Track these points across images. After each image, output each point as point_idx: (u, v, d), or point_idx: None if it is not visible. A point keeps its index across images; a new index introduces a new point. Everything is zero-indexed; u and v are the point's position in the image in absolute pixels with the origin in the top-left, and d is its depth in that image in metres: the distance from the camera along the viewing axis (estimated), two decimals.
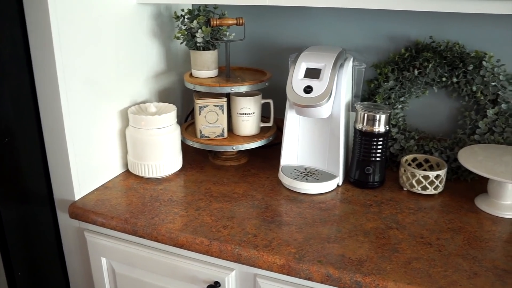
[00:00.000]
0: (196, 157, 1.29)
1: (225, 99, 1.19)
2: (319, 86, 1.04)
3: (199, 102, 1.18)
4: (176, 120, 1.18)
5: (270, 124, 1.26)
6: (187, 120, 1.40)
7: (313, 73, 1.06)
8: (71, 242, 1.13)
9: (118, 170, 1.19)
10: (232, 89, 1.14)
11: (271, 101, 1.24)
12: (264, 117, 1.28)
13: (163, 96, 1.33)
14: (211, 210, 1.02)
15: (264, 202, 1.06)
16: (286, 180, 1.11)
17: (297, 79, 1.07)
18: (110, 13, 1.08)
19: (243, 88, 1.15)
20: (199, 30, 1.16)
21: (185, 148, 1.25)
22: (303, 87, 1.05)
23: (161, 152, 1.14)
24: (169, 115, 1.14)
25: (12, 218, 1.01)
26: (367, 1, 0.96)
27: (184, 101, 1.43)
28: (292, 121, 1.15)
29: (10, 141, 0.98)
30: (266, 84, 1.20)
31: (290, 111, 1.14)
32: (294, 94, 1.06)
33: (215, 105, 1.18)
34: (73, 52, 0.98)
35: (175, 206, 1.04)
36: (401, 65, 1.21)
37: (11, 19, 0.93)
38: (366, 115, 1.08)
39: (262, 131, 1.26)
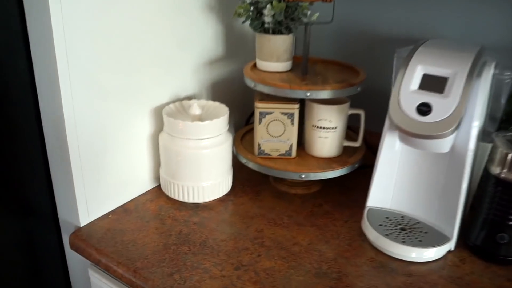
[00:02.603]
0: (253, 176, 0.97)
1: (297, 105, 0.85)
2: (443, 105, 0.67)
3: (260, 106, 0.85)
4: (227, 127, 0.87)
5: (357, 144, 0.90)
6: (248, 123, 1.08)
7: (434, 84, 0.69)
8: (78, 274, 0.87)
9: (146, 185, 0.90)
10: (308, 94, 0.80)
11: (362, 113, 0.88)
12: (350, 129, 0.93)
13: (218, 90, 1.01)
14: (257, 271, 0.70)
15: (337, 267, 0.72)
16: (373, 235, 0.76)
17: (407, 91, 0.70)
18: None
19: (324, 94, 0.80)
20: (268, 6, 0.82)
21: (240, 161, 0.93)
22: (417, 104, 0.68)
23: (203, 170, 0.84)
24: (217, 122, 0.82)
25: (8, 238, 0.76)
26: None
27: (246, 98, 1.11)
28: (391, 146, 0.79)
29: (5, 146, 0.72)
30: (358, 89, 0.84)
31: (390, 132, 0.78)
32: (401, 115, 0.69)
33: (282, 113, 0.85)
34: (82, 25, 0.69)
35: (208, 257, 0.73)
36: None
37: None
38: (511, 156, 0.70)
39: (345, 152, 0.91)
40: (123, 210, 0.84)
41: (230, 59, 1.02)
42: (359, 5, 1.00)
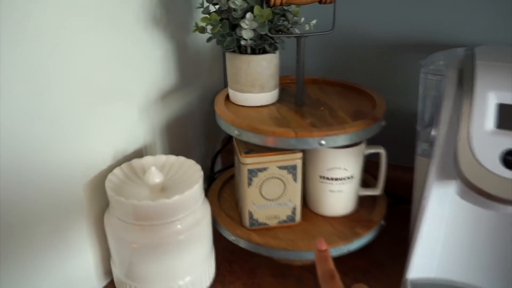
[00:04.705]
0: (234, 249, 0.70)
1: (300, 154, 0.60)
2: None
3: (249, 162, 0.59)
4: (203, 193, 0.60)
5: (377, 192, 0.67)
6: (213, 170, 0.81)
7: None
8: None
9: (95, 286, 0.62)
10: (324, 142, 0.55)
11: (383, 151, 0.65)
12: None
13: (174, 133, 0.74)
14: None
15: None
16: None
17: (481, 132, 0.48)
18: None
19: (344, 140, 0.56)
20: (248, 15, 0.56)
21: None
22: (501, 151, 0.46)
23: (180, 264, 0.57)
24: (192, 193, 0.56)
25: None
26: None
27: (206, 131, 0.84)
28: (440, 200, 0.57)
29: None
30: (383, 124, 0.61)
31: (439, 182, 0.56)
32: (478, 168, 0.47)
33: (280, 167, 0.60)
34: None
35: None
36: None
37: None
38: None
39: (364, 204, 0.68)
40: None
41: (186, 88, 0.75)
42: (349, 6, 0.77)
